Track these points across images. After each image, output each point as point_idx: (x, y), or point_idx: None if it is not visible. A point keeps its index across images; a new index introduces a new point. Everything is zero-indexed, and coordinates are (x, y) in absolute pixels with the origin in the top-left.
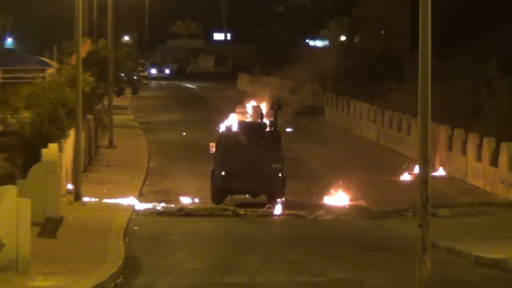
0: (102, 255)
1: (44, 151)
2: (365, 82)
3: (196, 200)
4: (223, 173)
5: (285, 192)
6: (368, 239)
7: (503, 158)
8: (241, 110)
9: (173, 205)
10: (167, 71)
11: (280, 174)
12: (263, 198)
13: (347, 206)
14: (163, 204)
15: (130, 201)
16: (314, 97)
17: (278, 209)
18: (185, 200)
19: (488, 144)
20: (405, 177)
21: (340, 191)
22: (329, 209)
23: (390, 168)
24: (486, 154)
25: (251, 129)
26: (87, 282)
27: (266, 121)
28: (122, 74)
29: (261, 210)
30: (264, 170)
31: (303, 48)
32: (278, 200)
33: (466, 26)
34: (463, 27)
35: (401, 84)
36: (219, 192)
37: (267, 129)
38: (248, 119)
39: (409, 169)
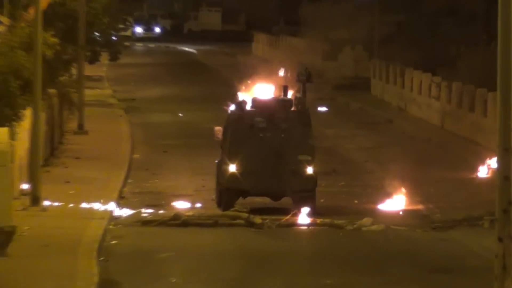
0: (69, 279)
1: None
2: (425, 45)
3: (197, 204)
4: (232, 167)
5: (316, 194)
6: (429, 257)
7: None
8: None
9: (165, 211)
10: (157, 29)
11: (310, 170)
12: (286, 201)
13: (400, 213)
14: (151, 210)
15: (107, 205)
16: (356, 65)
17: (307, 217)
18: (182, 205)
19: None
20: (480, 173)
21: (391, 192)
22: (377, 217)
23: (459, 161)
24: None
25: (271, 108)
26: None
27: (291, 97)
28: (97, 34)
29: (284, 218)
30: (288, 164)
31: None
32: (308, 204)
33: None
34: None
35: (474, 48)
36: (228, 194)
37: (293, 109)
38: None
39: (485, 163)
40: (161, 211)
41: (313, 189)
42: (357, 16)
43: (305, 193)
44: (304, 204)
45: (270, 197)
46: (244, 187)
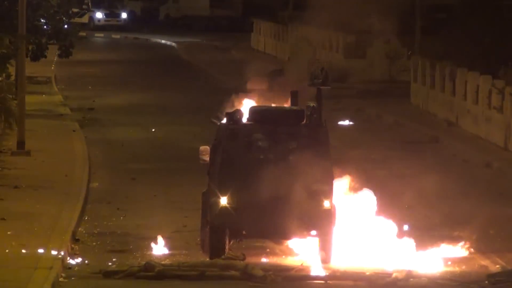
0: None
1: None
2: (484, 37)
3: (176, 250)
4: (224, 200)
5: (335, 235)
6: None
7: None
8: (257, 87)
9: (133, 259)
10: (123, 15)
11: (327, 203)
12: (296, 246)
13: (449, 262)
14: (115, 258)
15: (56, 251)
16: (391, 64)
17: (323, 267)
18: (156, 250)
19: None
20: None
21: (436, 235)
22: (416, 267)
23: None
24: None
25: (274, 121)
26: None
27: (301, 106)
28: (43, 21)
29: (293, 268)
30: (297, 196)
31: None
32: (325, 249)
33: None
34: None
35: None
36: (217, 235)
37: (304, 122)
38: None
39: None
40: (128, 259)
41: (331, 228)
42: None
43: (321, 234)
44: (320, 250)
45: (274, 240)
46: (239, 226)
